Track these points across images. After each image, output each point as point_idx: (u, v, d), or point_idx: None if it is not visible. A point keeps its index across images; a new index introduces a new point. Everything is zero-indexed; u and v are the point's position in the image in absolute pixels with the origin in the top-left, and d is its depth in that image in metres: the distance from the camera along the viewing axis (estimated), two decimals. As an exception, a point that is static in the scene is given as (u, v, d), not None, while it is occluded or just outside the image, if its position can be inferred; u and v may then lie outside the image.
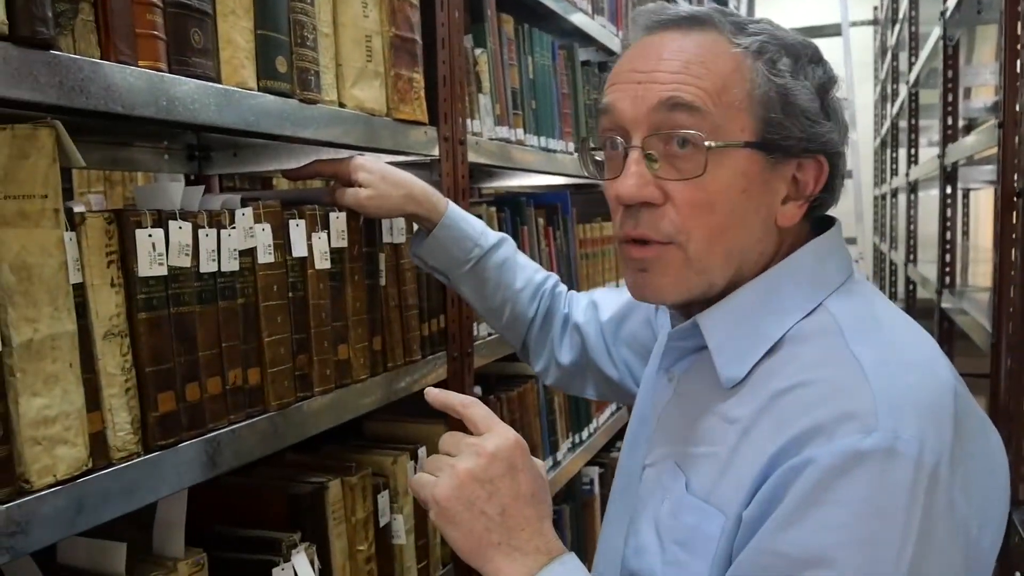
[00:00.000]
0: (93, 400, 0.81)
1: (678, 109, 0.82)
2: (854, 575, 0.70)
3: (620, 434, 2.65)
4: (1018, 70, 1.51)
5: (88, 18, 0.82)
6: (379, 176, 1.21)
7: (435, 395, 0.92)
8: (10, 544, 0.71)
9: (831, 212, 0.95)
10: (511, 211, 1.80)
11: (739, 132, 0.83)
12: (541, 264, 1.93)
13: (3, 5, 0.70)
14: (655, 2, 0.92)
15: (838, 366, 0.78)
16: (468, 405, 0.89)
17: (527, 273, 1.34)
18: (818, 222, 0.93)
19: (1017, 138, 1.46)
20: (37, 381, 0.75)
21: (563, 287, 1.39)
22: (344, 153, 1.57)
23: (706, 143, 0.81)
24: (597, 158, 0.95)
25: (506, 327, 1.36)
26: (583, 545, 2.33)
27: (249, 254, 1.02)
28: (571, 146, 2.18)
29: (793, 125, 0.83)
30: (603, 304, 1.32)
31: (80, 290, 0.81)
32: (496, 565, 0.81)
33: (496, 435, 0.85)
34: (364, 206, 1.20)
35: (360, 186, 1.20)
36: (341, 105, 1.19)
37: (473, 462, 0.82)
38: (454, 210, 1.29)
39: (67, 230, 0.79)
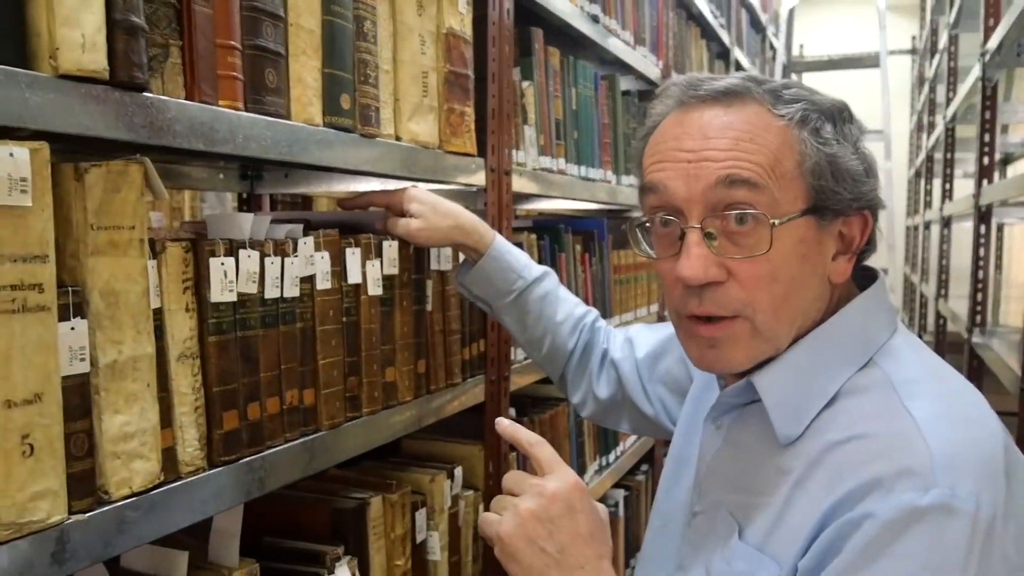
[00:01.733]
0: (166, 418, 0.87)
1: (737, 186, 0.83)
2: None
3: (645, 458, 2.68)
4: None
5: (176, 61, 0.88)
6: (430, 207, 1.27)
7: (506, 427, 0.96)
8: (89, 551, 0.77)
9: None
10: (550, 239, 1.85)
11: (794, 202, 0.84)
12: (576, 290, 1.98)
13: (105, 51, 0.76)
14: (686, 74, 0.93)
15: (892, 420, 0.79)
16: (535, 444, 0.92)
17: (568, 307, 1.39)
18: (859, 273, 0.94)
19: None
20: (119, 399, 0.81)
21: (602, 322, 1.43)
22: (394, 183, 1.63)
23: (772, 221, 0.82)
24: (643, 230, 0.95)
25: (545, 359, 1.41)
26: (606, 567, 2.36)
27: (308, 280, 1.07)
28: (609, 174, 2.23)
29: (843, 188, 0.85)
30: (638, 341, 1.35)
31: (158, 314, 0.86)
32: None
33: (557, 477, 0.88)
34: (414, 236, 1.25)
35: (412, 216, 1.25)
36: (397, 138, 1.25)
37: (535, 502, 0.86)
38: (501, 242, 1.34)
39: (150, 258, 0.85)
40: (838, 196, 0.85)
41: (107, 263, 0.79)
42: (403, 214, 1.26)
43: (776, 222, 0.82)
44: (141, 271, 0.82)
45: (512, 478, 0.92)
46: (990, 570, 0.72)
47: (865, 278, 0.95)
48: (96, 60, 0.75)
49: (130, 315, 0.81)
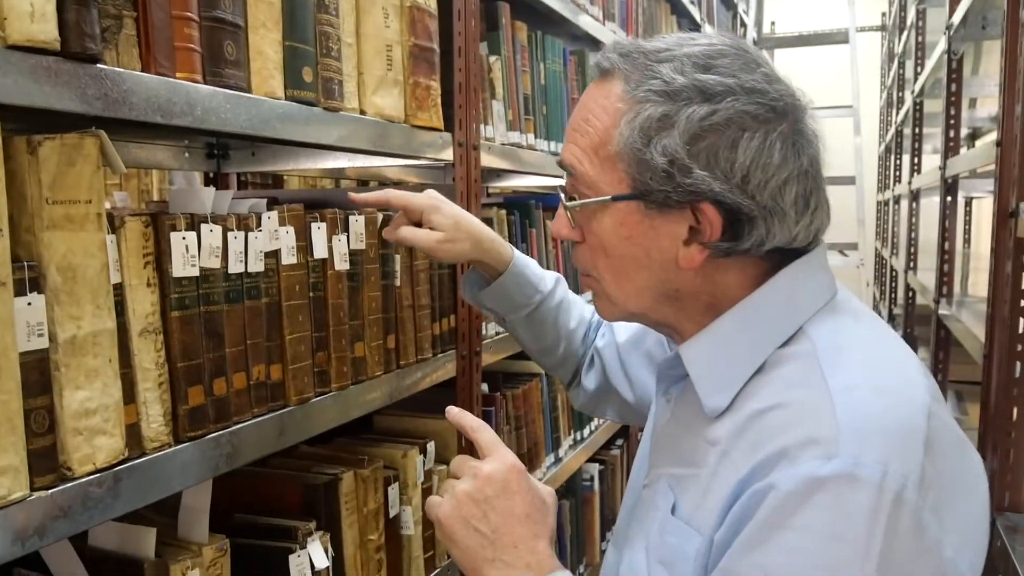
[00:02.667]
0: (129, 393, 0.86)
1: (566, 170, 0.93)
2: None
3: (620, 432, 2.70)
4: (1017, 90, 1.55)
5: (131, 32, 0.87)
6: (453, 222, 1.22)
7: (454, 414, 0.99)
8: (52, 528, 0.76)
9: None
10: (520, 214, 1.85)
11: (613, 185, 0.87)
12: (548, 266, 1.98)
13: (55, 22, 0.75)
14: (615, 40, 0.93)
15: (808, 389, 0.79)
16: (477, 429, 0.95)
17: (578, 310, 1.37)
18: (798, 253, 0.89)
19: (1014, 158, 1.51)
20: (79, 375, 0.80)
21: (597, 316, 1.38)
22: (361, 159, 1.62)
23: (569, 203, 0.91)
24: None
25: (558, 363, 1.38)
26: (582, 540, 2.39)
27: (273, 256, 1.07)
28: (579, 150, 2.22)
29: (651, 179, 0.84)
30: (619, 326, 1.33)
31: (119, 290, 0.86)
32: None
33: (495, 459, 0.91)
34: (435, 251, 1.21)
35: (433, 228, 1.22)
36: (362, 112, 1.24)
37: (471, 484, 0.89)
38: (520, 258, 1.30)
39: (108, 233, 0.84)
40: (648, 187, 0.84)
41: (64, 237, 0.78)
42: (420, 222, 1.23)
43: (577, 204, 0.90)
44: (100, 246, 0.82)
45: (455, 462, 0.94)
46: (899, 539, 0.71)
47: (789, 259, 0.90)
48: (46, 30, 0.74)
49: (89, 290, 0.81)
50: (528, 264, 1.31)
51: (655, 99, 0.83)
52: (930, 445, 0.75)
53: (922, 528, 0.72)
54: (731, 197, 0.82)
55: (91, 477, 0.81)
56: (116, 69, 0.82)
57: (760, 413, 0.80)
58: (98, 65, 0.80)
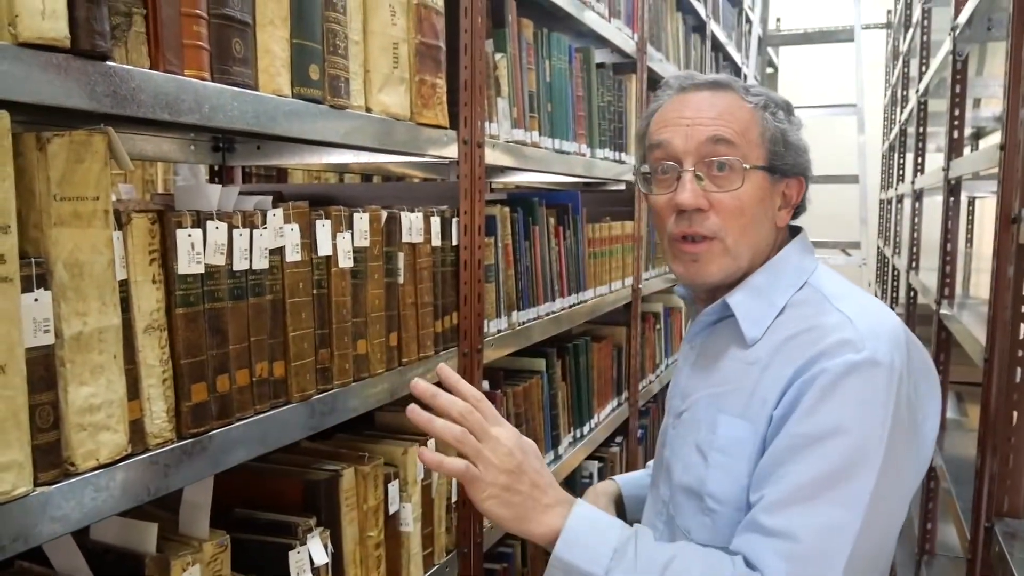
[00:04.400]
0: (133, 390, 0.87)
1: (720, 143, 1.15)
2: (852, 442, 1.01)
3: (619, 430, 2.71)
4: (1022, 94, 1.55)
5: (140, 30, 0.87)
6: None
7: (448, 373, 1.11)
8: (56, 523, 0.77)
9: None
10: (524, 211, 1.85)
11: (757, 160, 1.16)
12: (550, 264, 1.98)
13: (66, 19, 0.75)
14: (685, 71, 1.25)
15: (829, 315, 1.10)
16: (480, 400, 1.09)
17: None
18: (789, 229, 1.26)
19: (1017, 163, 1.50)
20: (85, 371, 0.80)
21: None
22: (366, 154, 1.62)
23: (744, 165, 1.14)
24: (646, 177, 1.24)
25: None
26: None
27: (278, 253, 1.07)
28: (584, 147, 2.23)
29: (790, 155, 1.19)
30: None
31: (124, 286, 0.86)
32: (540, 521, 1.04)
33: (506, 427, 1.07)
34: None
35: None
36: (368, 110, 1.24)
37: (502, 456, 1.04)
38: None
39: (115, 229, 0.84)
40: (785, 161, 1.18)
41: (71, 234, 0.78)
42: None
43: (747, 166, 1.15)
44: (106, 242, 0.82)
45: (461, 433, 1.03)
46: (901, 403, 1.05)
47: (793, 232, 1.27)
48: (57, 28, 0.74)
49: (95, 286, 0.81)
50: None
51: (775, 105, 1.19)
52: (908, 347, 1.09)
53: (909, 398, 1.07)
54: (811, 172, 1.22)
55: (94, 472, 0.81)
56: (125, 66, 0.83)
57: (793, 336, 1.10)
58: (107, 62, 0.80)
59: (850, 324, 1.08)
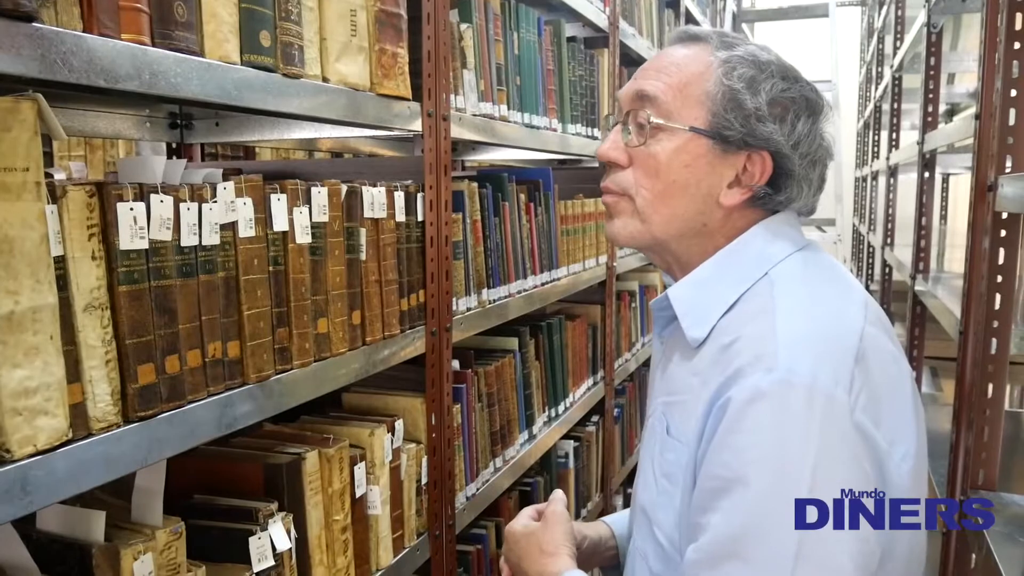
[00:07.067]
0: (73, 372, 0.82)
1: (642, 98, 1.04)
2: (767, 483, 0.86)
3: (595, 409, 2.68)
4: (997, 63, 1.53)
5: (71, -10, 0.81)
6: None
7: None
8: (-10, 512, 0.73)
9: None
10: (492, 187, 1.81)
11: (690, 118, 1.02)
12: (521, 241, 1.95)
13: (-15, -24, 0.70)
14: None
15: (761, 319, 0.95)
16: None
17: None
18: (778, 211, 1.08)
19: (992, 131, 1.48)
20: (18, 353, 0.76)
21: None
22: (328, 128, 1.57)
23: (651, 120, 1.02)
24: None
25: None
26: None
27: (230, 228, 1.03)
28: (555, 122, 2.18)
29: (735, 121, 1.00)
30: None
31: (61, 263, 0.81)
32: None
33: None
34: None
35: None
36: (324, 80, 1.19)
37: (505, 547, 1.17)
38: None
39: (48, 203, 0.79)
40: (730, 127, 1.01)
41: (-2, 207, 0.74)
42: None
43: (653, 121, 1.02)
44: (38, 216, 0.77)
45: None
46: (834, 431, 0.86)
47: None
48: (-27, -16, 0.69)
49: (27, 263, 0.76)
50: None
51: (746, 64, 1.02)
52: (862, 358, 0.91)
53: (853, 424, 0.87)
54: (786, 151, 1.02)
55: (32, 459, 0.77)
56: (54, 28, 0.78)
57: (726, 346, 0.96)
58: (34, 24, 0.75)
59: (771, 333, 0.92)
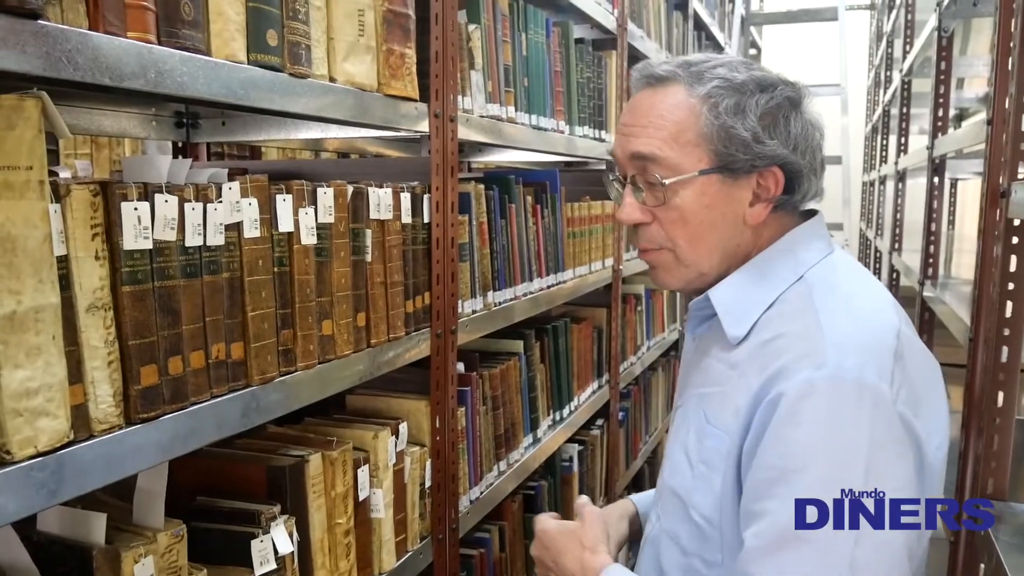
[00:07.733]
0: (75, 373, 0.82)
1: (640, 158, 1.07)
2: (824, 472, 0.93)
3: (600, 412, 2.67)
4: (1010, 67, 1.51)
5: (77, -12, 0.81)
6: None
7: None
8: (-10, 514, 0.72)
9: (818, 205, 1.15)
10: (499, 189, 1.80)
11: (695, 164, 1.05)
12: (527, 243, 1.94)
13: (-10, -27, 0.70)
14: (643, 61, 1.15)
15: (804, 319, 1.01)
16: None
17: None
18: (806, 213, 1.15)
19: (1005, 137, 1.47)
20: (19, 353, 0.75)
21: None
22: (334, 128, 1.57)
23: (664, 181, 1.05)
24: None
25: None
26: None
27: (235, 228, 1.02)
28: (562, 124, 2.17)
29: (737, 151, 1.04)
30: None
31: (64, 262, 0.81)
32: None
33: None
34: None
35: None
36: (331, 80, 1.19)
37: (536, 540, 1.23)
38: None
39: (52, 202, 0.78)
40: (734, 159, 1.05)
41: (1, 206, 0.73)
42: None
43: (666, 182, 1.06)
44: (42, 215, 0.76)
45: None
46: (882, 422, 0.93)
47: (809, 216, 1.15)
48: (-22, -19, 0.68)
49: (30, 262, 0.76)
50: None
51: (726, 92, 1.05)
52: (900, 356, 0.97)
53: (897, 415, 0.94)
54: (791, 158, 1.06)
55: (33, 461, 0.76)
56: (59, 26, 0.77)
57: (767, 342, 1.02)
58: (39, 21, 0.74)
59: (818, 331, 0.98)
